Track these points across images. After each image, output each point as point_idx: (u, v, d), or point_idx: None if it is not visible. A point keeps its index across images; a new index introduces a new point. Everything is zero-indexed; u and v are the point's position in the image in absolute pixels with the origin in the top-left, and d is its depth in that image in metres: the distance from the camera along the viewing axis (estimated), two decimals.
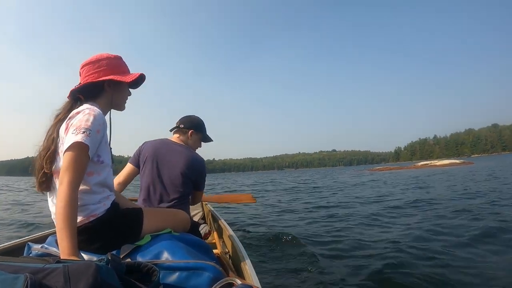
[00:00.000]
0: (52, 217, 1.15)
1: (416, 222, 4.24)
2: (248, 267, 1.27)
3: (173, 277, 0.95)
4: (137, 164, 1.86)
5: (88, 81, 1.21)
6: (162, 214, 1.37)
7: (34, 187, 1.14)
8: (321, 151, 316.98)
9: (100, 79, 1.22)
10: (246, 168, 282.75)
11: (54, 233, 1.18)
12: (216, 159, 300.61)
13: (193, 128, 1.91)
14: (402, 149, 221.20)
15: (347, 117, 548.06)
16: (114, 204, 1.18)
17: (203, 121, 2.01)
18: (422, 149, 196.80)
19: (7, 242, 1.52)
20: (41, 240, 1.41)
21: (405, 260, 2.59)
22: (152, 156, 1.79)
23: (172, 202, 1.74)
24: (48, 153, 1.09)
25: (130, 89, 1.37)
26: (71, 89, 1.23)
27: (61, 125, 1.13)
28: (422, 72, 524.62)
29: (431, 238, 3.35)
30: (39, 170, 1.11)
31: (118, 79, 1.23)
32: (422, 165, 36.54)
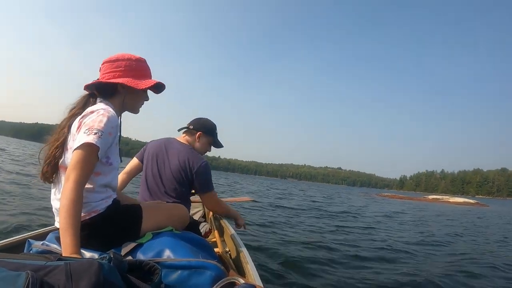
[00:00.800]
0: (53, 210, 1.16)
1: None
2: (249, 266, 1.26)
3: (175, 276, 0.95)
4: (141, 159, 1.88)
5: (103, 80, 1.21)
6: (161, 209, 1.37)
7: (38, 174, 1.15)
8: (326, 166, 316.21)
9: (112, 80, 1.21)
10: (250, 171, 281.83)
11: (55, 230, 1.17)
12: (222, 157, 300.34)
13: (202, 130, 1.88)
14: (408, 178, 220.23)
15: (357, 137, 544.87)
16: (115, 201, 1.18)
17: (215, 125, 1.96)
18: (428, 181, 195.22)
19: (6, 238, 1.51)
20: (41, 237, 1.40)
21: None
22: (153, 154, 1.80)
23: (170, 200, 1.74)
24: (57, 145, 1.11)
25: (154, 93, 1.35)
26: (86, 84, 1.23)
27: (74, 120, 1.13)
28: (438, 105, 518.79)
29: None
30: (45, 159, 1.12)
31: (130, 84, 1.20)
32: (433, 199, 34.41)
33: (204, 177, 1.76)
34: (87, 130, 1.03)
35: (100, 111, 1.10)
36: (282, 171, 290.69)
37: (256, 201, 7.49)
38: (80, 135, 1.04)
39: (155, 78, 1.29)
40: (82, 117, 1.11)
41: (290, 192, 14.74)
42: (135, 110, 1.31)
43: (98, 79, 1.24)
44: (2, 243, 1.42)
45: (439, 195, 52.40)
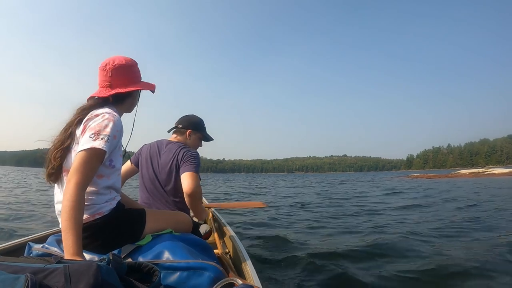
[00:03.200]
0: (56, 213, 1.17)
1: None
2: (249, 267, 1.27)
3: (174, 277, 0.95)
4: (136, 163, 1.90)
5: (127, 86, 1.23)
6: (164, 216, 1.37)
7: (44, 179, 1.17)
8: (332, 155, 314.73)
9: (131, 88, 1.24)
10: (256, 169, 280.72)
11: (55, 233, 1.18)
12: (226, 159, 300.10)
13: (191, 128, 1.91)
14: (415, 156, 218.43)
15: (359, 122, 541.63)
16: (119, 204, 1.19)
17: (203, 120, 1.99)
18: (435, 157, 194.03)
19: (7, 242, 1.52)
20: (41, 240, 1.40)
21: None
22: (147, 157, 1.83)
23: (170, 199, 1.75)
24: (61, 147, 1.11)
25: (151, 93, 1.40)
26: (109, 93, 1.21)
27: (80, 123, 1.14)
28: (435, 80, 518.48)
29: None
30: (50, 161, 1.12)
31: (146, 88, 1.28)
32: (471, 173, 30.00)
33: (190, 158, 1.71)
34: (93, 134, 1.05)
35: (105, 115, 1.11)
36: (288, 165, 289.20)
37: (270, 207, 6.86)
38: (85, 139, 1.05)
39: (147, 79, 1.37)
40: (87, 120, 1.12)
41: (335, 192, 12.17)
42: (131, 111, 1.36)
43: (112, 83, 1.22)
44: (3, 246, 1.43)
45: (475, 168, 44.86)
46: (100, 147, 1.03)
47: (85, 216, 1.06)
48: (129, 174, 1.93)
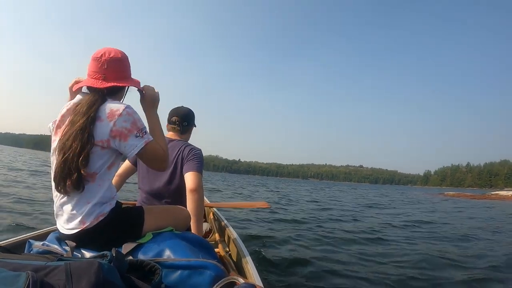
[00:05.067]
0: (66, 217, 1.10)
1: None
2: (249, 266, 1.26)
3: (175, 275, 0.95)
4: (134, 162, 1.88)
5: (120, 80, 1.19)
6: (163, 211, 1.37)
7: (59, 189, 1.07)
8: (348, 165, 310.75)
9: (128, 84, 1.23)
10: (271, 173, 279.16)
11: (55, 230, 1.17)
12: (242, 160, 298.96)
13: (193, 124, 1.92)
14: (432, 173, 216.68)
15: (378, 133, 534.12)
16: (118, 203, 1.19)
17: (192, 109, 1.95)
18: (453, 175, 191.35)
19: (7, 239, 1.51)
20: (42, 237, 1.40)
21: None
22: None
23: (171, 199, 1.74)
24: (84, 154, 1.04)
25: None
26: (104, 84, 1.15)
27: (94, 123, 1.08)
28: (461, 96, 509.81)
29: None
30: (71, 171, 1.04)
31: (136, 86, 1.27)
32: None
33: (194, 157, 1.71)
34: (138, 133, 1.11)
35: (128, 110, 1.13)
36: (303, 171, 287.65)
37: (271, 209, 6.38)
38: (133, 140, 1.10)
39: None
40: (112, 122, 1.08)
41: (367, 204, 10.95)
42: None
43: (107, 76, 1.17)
44: (2, 243, 1.42)
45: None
46: (151, 139, 1.15)
47: (90, 221, 1.06)
48: (128, 173, 1.91)
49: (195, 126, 1.98)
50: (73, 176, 1.04)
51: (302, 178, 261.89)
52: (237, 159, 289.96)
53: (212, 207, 2.87)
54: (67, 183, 1.05)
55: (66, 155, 1.05)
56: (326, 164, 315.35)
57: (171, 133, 1.89)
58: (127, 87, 1.29)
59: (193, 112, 1.94)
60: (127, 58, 1.24)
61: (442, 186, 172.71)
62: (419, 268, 2.83)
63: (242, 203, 4.04)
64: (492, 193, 32.12)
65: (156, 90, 1.34)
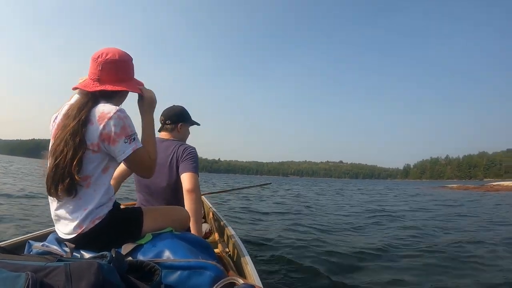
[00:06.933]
0: (66, 221, 1.10)
1: None
2: (249, 266, 1.26)
3: (175, 276, 0.95)
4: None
5: (116, 84, 1.15)
6: (161, 212, 1.37)
7: (51, 193, 1.06)
8: (327, 161, 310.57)
9: (121, 88, 1.17)
10: (251, 171, 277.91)
11: (55, 231, 1.17)
12: (222, 159, 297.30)
13: (181, 121, 1.88)
14: (412, 166, 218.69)
15: (356, 129, 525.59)
16: (116, 205, 1.18)
17: (185, 108, 1.95)
18: (433, 168, 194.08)
19: (7, 240, 1.52)
20: (41, 238, 1.40)
21: None
22: None
23: (168, 200, 1.75)
24: (77, 159, 1.03)
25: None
26: (96, 87, 1.13)
27: (86, 126, 1.06)
28: (436, 90, 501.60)
29: None
30: (65, 176, 1.03)
31: (134, 90, 1.23)
32: None
33: (190, 157, 1.72)
34: (127, 138, 1.08)
35: (119, 114, 1.08)
36: (283, 169, 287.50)
37: (270, 208, 6.88)
38: (121, 145, 1.08)
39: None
40: (102, 126, 1.05)
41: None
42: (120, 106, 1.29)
43: (102, 78, 1.15)
44: (2, 244, 1.42)
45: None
46: (140, 145, 1.14)
47: (86, 224, 1.06)
48: (125, 176, 1.90)
49: (191, 124, 1.96)
50: (65, 181, 1.02)
51: (282, 175, 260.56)
52: (217, 159, 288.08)
53: (205, 194, 2.85)
54: (59, 188, 1.04)
55: (58, 160, 1.04)
56: (306, 161, 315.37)
57: (163, 132, 1.90)
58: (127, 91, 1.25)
59: (180, 111, 1.91)
60: (128, 60, 1.20)
61: (421, 179, 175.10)
62: None
63: (245, 186, 4.03)
64: (494, 184, 30.70)
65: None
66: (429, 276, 2.55)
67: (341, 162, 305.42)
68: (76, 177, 1.02)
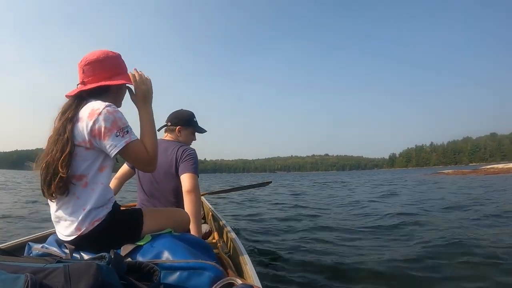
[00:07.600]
0: (65, 223, 1.10)
1: None
2: (248, 267, 1.27)
3: (174, 277, 0.95)
4: (132, 166, 1.89)
5: (98, 82, 1.16)
6: (162, 214, 1.37)
7: (45, 194, 1.08)
8: (313, 154, 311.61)
9: (113, 82, 1.17)
10: (238, 169, 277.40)
11: (55, 233, 1.18)
12: (208, 159, 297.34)
13: (180, 124, 1.88)
14: (397, 155, 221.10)
15: (339, 121, 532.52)
16: (115, 206, 1.18)
17: (193, 113, 1.95)
18: (418, 156, 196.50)
19: (7, 241, 1.52)
20: (41, 239, 1.41)
21: None
22: None
23: (169, 200, 1.75)
24: (63, 156, 1.04)
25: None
26: (79, 89, 1.16)
27: (72, 125, 1.07)
28: (416, 78, 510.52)
29: None
30: (54, 175, 1.04)
31: (130, 83, 1.23)
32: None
33: (189, 158, 1.72)
34: (119, 132, 1.06)
35: (108, 109, 1.08)
36: (270, 165, 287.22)
37: (270, 208, 6.81)
38: (113, 139, 1.06)
39: None
40: (93, 122, 1.06)
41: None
42: (119, 105, 1.30)
43: (83, 81, 1.17)
44: (2, 246, 1.43)
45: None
46: (135, 138, 1.11)
47: (85, 226, 1.07)
48: (127, 177, 1.92)
49: (194, 130, 1.96)
50: (56, 179, 1.03)
51: (269, 171, 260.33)
52: (203, 159, 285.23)
53: (204, 194, 2.85)
54: (51, 187, 1.05)
55: (48, 159, 1.06)
56: (292, 155, 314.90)
57: (166, 134, 1.92)
58: (122, 86, 1.26)
59: (182, 115, 1.92)
60: (111, 57, 1.20)
61: (408, 167, 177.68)
62: None
63: (244, 186, 4.00)
64: (487, 167, 29.72)
65: (147, 77, 1.27)
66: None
67: (326, 155, 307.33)
68: (64, 172, 1.02)
